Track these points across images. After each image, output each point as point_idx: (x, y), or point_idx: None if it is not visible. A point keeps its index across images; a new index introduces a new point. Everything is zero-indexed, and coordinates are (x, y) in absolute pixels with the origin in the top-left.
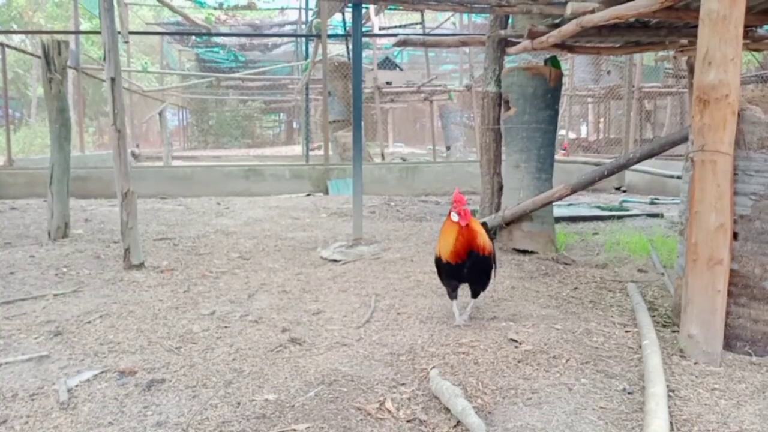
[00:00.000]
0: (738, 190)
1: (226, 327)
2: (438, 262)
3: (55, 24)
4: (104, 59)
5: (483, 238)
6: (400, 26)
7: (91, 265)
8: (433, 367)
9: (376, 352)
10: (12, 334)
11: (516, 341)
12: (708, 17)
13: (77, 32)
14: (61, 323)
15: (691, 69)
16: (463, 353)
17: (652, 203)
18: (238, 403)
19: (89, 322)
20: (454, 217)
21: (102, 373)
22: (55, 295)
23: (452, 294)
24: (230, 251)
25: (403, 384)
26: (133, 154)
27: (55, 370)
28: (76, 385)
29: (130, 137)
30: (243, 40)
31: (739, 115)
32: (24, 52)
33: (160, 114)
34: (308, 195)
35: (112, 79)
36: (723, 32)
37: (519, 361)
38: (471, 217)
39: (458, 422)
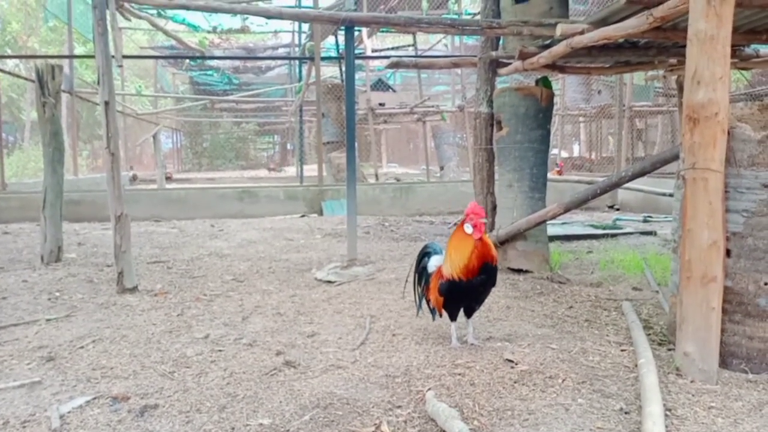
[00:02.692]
0: (730, 208)
1: (220, 351)
2: (449, 286)
3: (50, 48)
4: (98, 83)
5: (493, 248)
6: (392, 48)
7: (84, 289)
8: (429, 389)
9: (371, 374)
10: (4, 360)
11: (512, 361)
12: (696, 37)
13: (71, 56)
14: (53, 348)
15: (680, 88)
16: (459, 374)
17: (645, 221)
18: (233, 428)
19: (82, 347)
20: (468, 230)
21: (95, 399)
22: (48, 320)
23: (454, 315)
24: (224, 274)
25: (399, 406)
26: (134, 177)
27: (47, 397)
28: (69, 412)
29: (124, 160)
30: (237, 62)
31: (729, 133)
32: (18, 76)
33: (154, 137)
34: (302, 216)
35: (106, 103)
36: (711, 51)
37: (515, 382)
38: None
39: None
